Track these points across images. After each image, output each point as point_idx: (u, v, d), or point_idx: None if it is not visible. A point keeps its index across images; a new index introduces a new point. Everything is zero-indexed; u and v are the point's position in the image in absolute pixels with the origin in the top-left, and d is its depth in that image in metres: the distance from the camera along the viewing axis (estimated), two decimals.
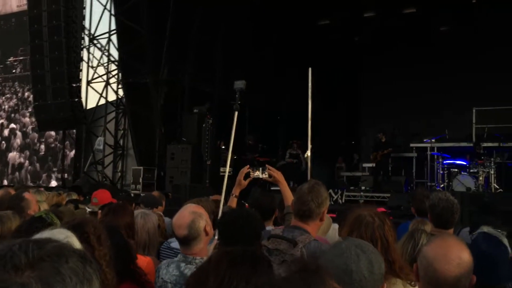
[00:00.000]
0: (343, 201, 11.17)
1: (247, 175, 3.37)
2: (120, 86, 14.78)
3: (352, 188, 13.18)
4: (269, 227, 3.32)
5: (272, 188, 9.88)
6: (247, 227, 2.39)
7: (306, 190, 2.61)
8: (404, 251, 2.53)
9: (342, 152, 16.12)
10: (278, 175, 3.32)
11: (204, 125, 11.97)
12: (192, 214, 2.61)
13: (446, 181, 12.16)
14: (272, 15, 13.68)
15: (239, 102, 4.32)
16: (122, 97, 14.77)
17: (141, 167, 12.70)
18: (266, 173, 3.33)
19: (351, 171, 15.27)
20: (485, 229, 3.71)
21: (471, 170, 11.68)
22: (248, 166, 3.46)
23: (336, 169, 15.82)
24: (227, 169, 4.48)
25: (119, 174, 15.06)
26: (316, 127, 8.88)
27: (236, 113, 4.32)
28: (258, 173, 3.36)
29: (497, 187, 11.54)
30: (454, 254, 1.82)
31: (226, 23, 13.17)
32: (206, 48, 13.01)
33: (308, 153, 9.48)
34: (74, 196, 5.69)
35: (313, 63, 9.02)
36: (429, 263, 1.83)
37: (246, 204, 4.63)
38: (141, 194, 8.72)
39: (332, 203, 10.95)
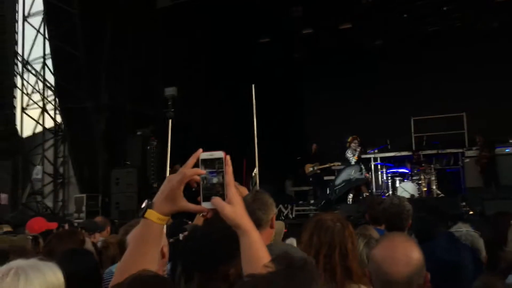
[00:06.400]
0: (294, 215, 11.17)
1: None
2: (57, 112, 14.21)
3: (300, 202, 13.22)
4: None
5: None
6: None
7: (250, 200, 2.52)
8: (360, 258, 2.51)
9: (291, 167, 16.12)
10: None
11: (148, 147, 11.69)
12: None
13: (391, 189, 12.50)
14: (211, 34, 13.68)
15: (173, 110, 4.16)
16: (60, 123, 14.19)
17: (84, 195, 12.16)
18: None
19: (298, 186, 15.34)
20: (463, 228, 3.67)
21: (414, 177, 12.09)
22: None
23: (285, 185, 15.84)
24: None
25: (61, 203, 14.36)
26: (261, 144, 8.93)
27: (170, 121, 4.15)
28: None
29: (439, 192, 11.99)
30: (401, 253, 1.78)
31: (164, 47, 13.04)
32: (145, 70, 12.79)
33: (256, 170, 9.45)
34: (7, 229, 5.31)
35: (255, 80, 9.12)
36: (378, 266, 1.79)
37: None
38: None
39: (283, 218, 10.93)
